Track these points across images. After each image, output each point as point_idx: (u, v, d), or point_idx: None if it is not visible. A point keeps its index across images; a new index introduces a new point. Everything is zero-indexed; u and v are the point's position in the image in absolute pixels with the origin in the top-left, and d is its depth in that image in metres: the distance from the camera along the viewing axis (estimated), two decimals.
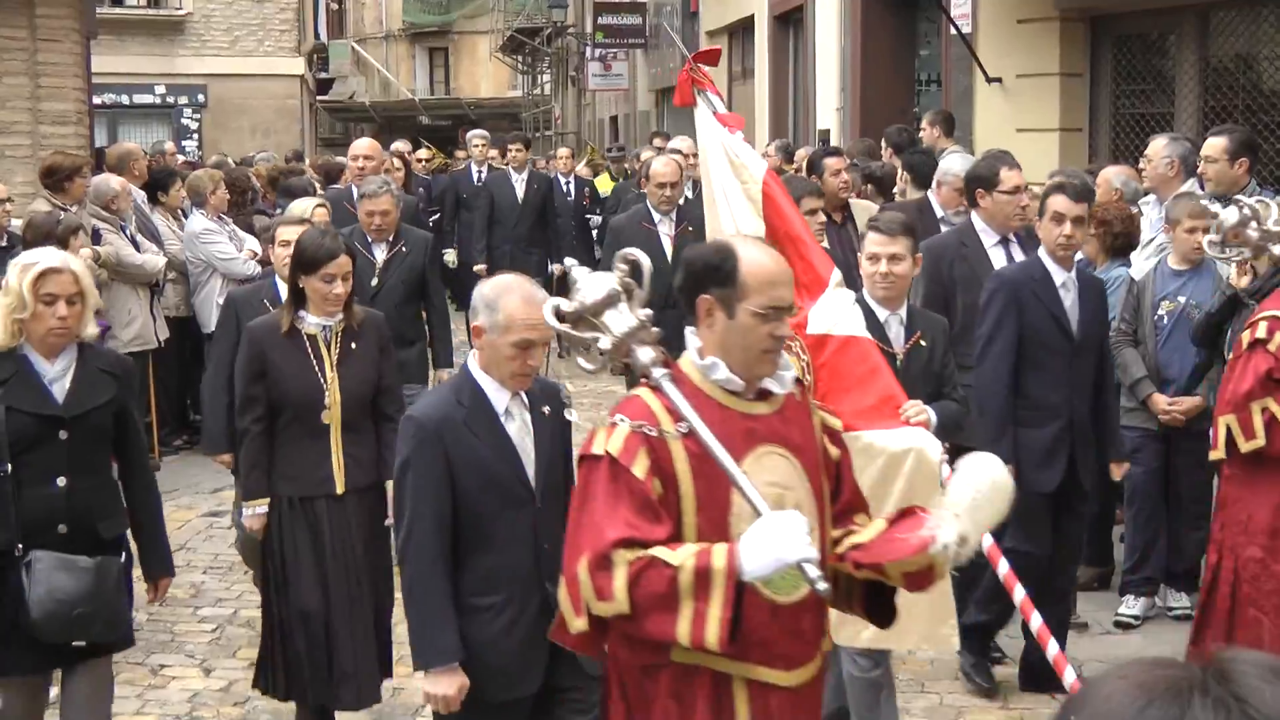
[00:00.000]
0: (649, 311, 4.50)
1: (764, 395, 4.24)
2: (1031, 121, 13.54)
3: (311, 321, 6.64)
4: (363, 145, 12.52)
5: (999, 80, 14.15)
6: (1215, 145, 8.75)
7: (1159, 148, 9.30)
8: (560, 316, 4.50)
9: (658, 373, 4.23)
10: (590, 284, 4.50)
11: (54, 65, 14.30)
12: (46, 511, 5.72)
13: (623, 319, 4.44)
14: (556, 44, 40.43)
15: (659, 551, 3.90)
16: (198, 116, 35.92)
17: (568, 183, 18.19)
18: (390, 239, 9.72)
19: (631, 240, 9.87)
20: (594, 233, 17.68)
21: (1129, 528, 8.82)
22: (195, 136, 35.22)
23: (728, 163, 6.81)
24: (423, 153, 19.66)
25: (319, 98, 46.64)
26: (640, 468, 4.03)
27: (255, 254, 12.13)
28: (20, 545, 5.67)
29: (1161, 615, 8.70)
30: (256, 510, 6.70)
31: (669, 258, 10.45)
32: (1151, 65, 13.25)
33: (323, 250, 6.53)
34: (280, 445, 6.69)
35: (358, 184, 10.93)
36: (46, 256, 5.80)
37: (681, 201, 11.40)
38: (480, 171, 18.41)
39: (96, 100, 20.91)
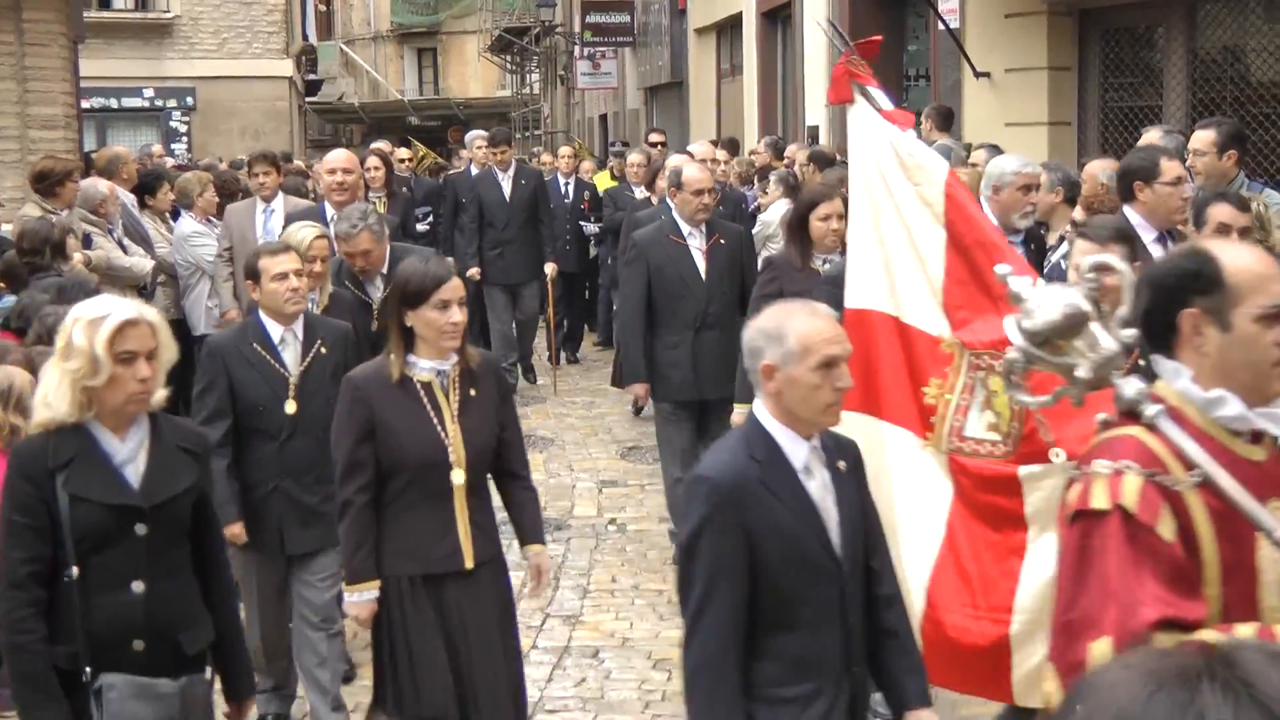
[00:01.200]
0: (1133, 332, 3.87)
1: (1257, 437, 3.60)
2: (1020, 115, 13.55)
3: (424, 367, 5.80)
4: (339, 158, 11.21)
5: (987, 75, 14.15)
6: (1203, 138, 8.74)
7: (1151, 140, 9.30)
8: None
9: (1151, 409, 3.58)
10: (1046, 301, 4.02)
11: (42, 70, 14.30)
12: (121, 624, 4.77)
13: (1102, 342, 3.90)
14: (545, 43, 40.43)
15: (1213, 637, 3.11)
16: (186, 119, 35.89)
17: (567, 184, 17.70)
18: (385, 271, 8.63)
19: (661, 257, 9.80)
20: (591, 239, 17.54)
21: None
22: (184, 139, 35.19)
23: (897, 164, 6.25)
24: (404, 152, 19.06)
25: (308, 99, 46.61)
26: (1167, 528, 3.37)
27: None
28: (89, 668, 4.74)
29: None
30: (365, 596, 5.77)
31: (703, 276, 9.79)
32: (1140, 58, 13.26)
33: (430, 277, 5.70)
34: (393, 516, 5.80)
35: (333, 201, 10.44)
36: (118, 306, 4.78)
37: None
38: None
39: (85, 104, 20.87)
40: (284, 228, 10.49)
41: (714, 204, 10.29)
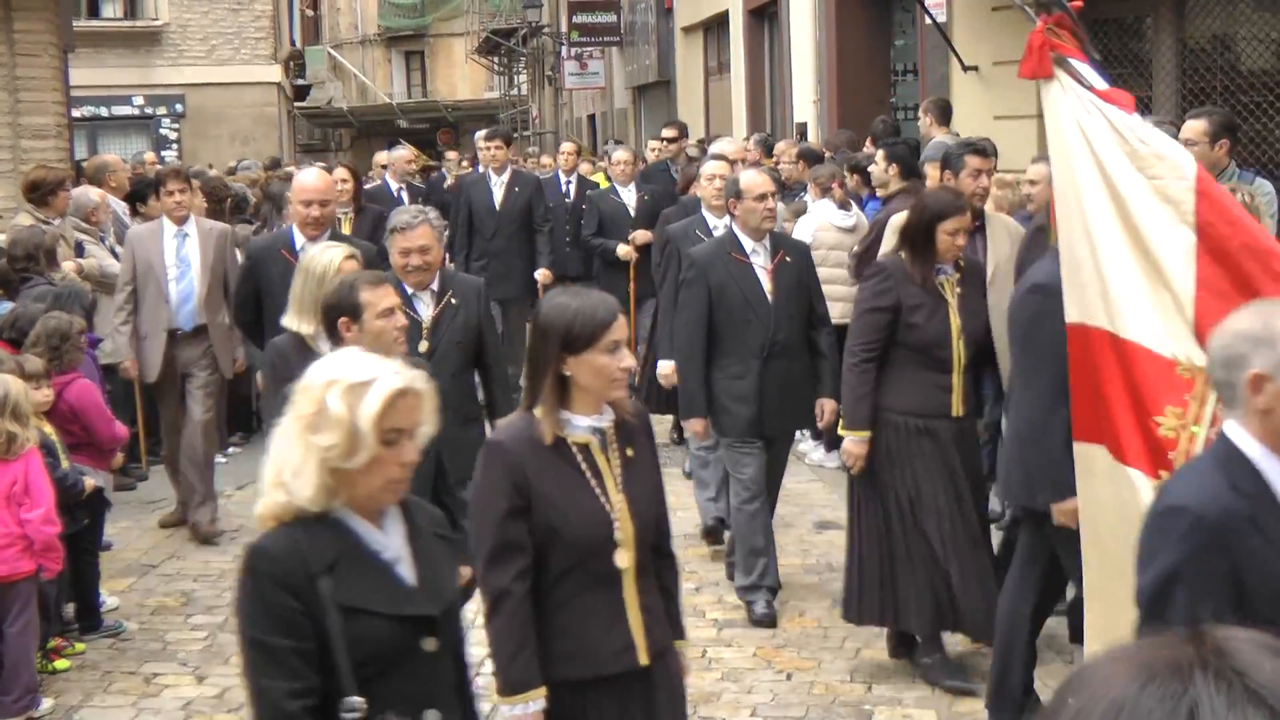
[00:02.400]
0: None
1: None
2: (1009, 109, 13.54)
3: (581, 425, 4.68)
4: (312, 185, 9.03)
5: (975, 68, 14.15)
6: (1195, 128, 8.75)
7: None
8: None
9: None
10: None
11: (32, 79, 14.29)
12: None
13: None
14: (532, 44, 40.46)
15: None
16: (177, 126, 35.83)
17: (568, 183, 16.45)
18: (435, 287, 7.61)
19: (723, 276, 8.63)
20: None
21: None
22: (175, 146, 35.13)
23: (1121, 152, 5.45)
24: (404, 152, 17.85)
25: (297, 104, 46.54)
26: None
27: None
28: None
29: None
30: (531, 708, 4.57)
31: (770, 298, 8.66)
32: (1129, 49, 13.25)
33: (599, 316, 4.59)
34: (553, 609, 4.65)
35: (306, 234, 8.72)
36: (383, 369, 3.76)
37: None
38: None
39: (75, 113, 20.86)
40: (212, 253, 10.61)
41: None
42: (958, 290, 7.57)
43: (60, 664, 8.22)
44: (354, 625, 3.66)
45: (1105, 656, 1.57)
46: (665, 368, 9.79)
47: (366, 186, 16.83)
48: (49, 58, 14.51)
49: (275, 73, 37.01)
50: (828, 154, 13.56)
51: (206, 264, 10.62)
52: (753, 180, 8.81)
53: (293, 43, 43.08)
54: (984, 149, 8.92)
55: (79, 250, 11.40)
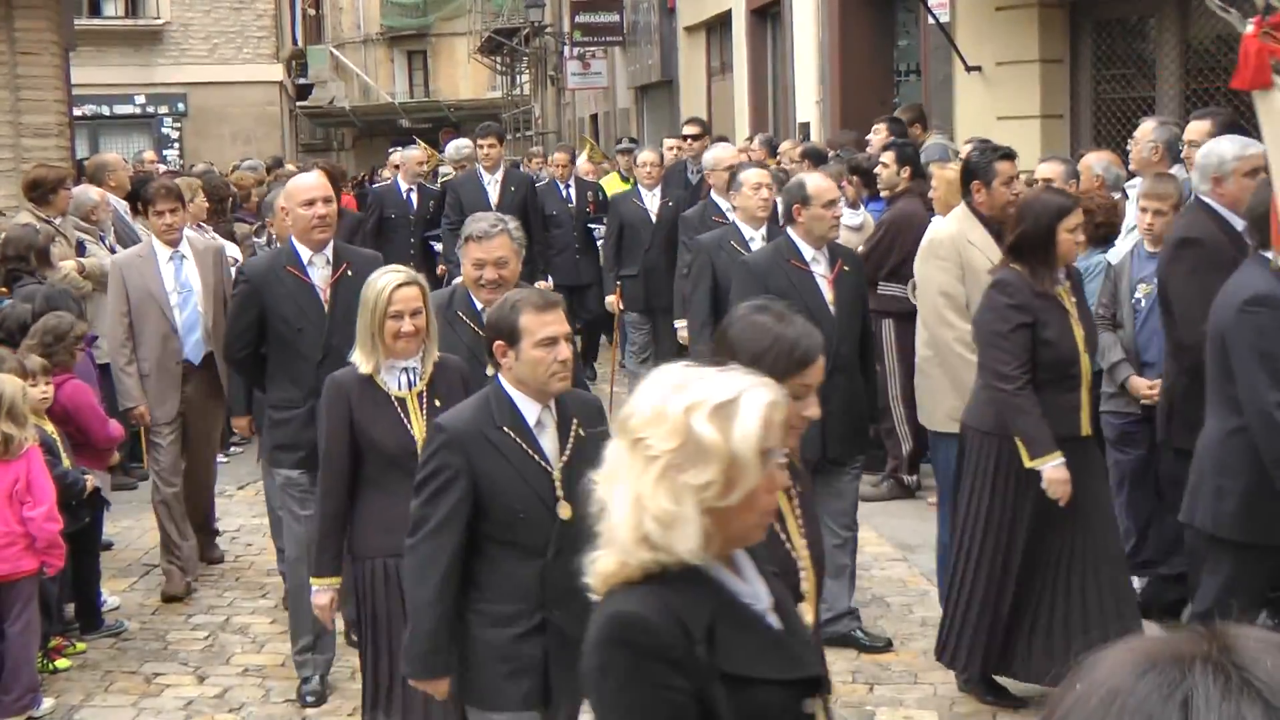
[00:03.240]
0: None
1: None
2: (1012, 109, 13.54)
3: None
4: (312, 186, 7.92)
5: (978, 69, 14.15)
6: (1199, 129, 8.72)
7: (1146, 131, 9.28)
8: None
9: None
10: None
11: (34, 78, 14.29)
12: None
13: None
14: (534, 44, 40.43)
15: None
16: (178, 125, 35.87)
17: (567, 188, 15.61)
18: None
19: (782, 285, 7.82)
20: (599, 244, 15.29)
21: (1123, 513, 8.73)
22: (176, 145, 35.17)
23: None
24: (416, 153, 17.18)
25: (299, 104, 46.57)
26: None
27: (235, 260, 12.09)
28: None
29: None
30: None
31: (831, 309, 7.97)
32: (1132, 49, 13.25)
33: (800, 349, 4.08)
34: None
35: (312, 241, 7.71)
36: (747, 383, 3.11)
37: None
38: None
39: (77, 112, 20.87)
40: (211, 274, 9.50)
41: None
42: (1072, 298, 7.10)
43: (61, 663, 8.21)
44: (742, 698, 3.04)
45: (1116, 645, 1.58)
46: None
47: (375, 186, 16.81)
48: (50, 56, 14.51)
49: (277, 72, 37.05)
50: (831, 153, 13.54)
51: (209, 287, 9.53)
52: (820, 185, 8.18)
53: (295, 42, 43.12)
54: (1011, 153, 8.52)
55: (80, 249, 11.39)
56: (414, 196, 15.77)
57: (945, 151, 12.05)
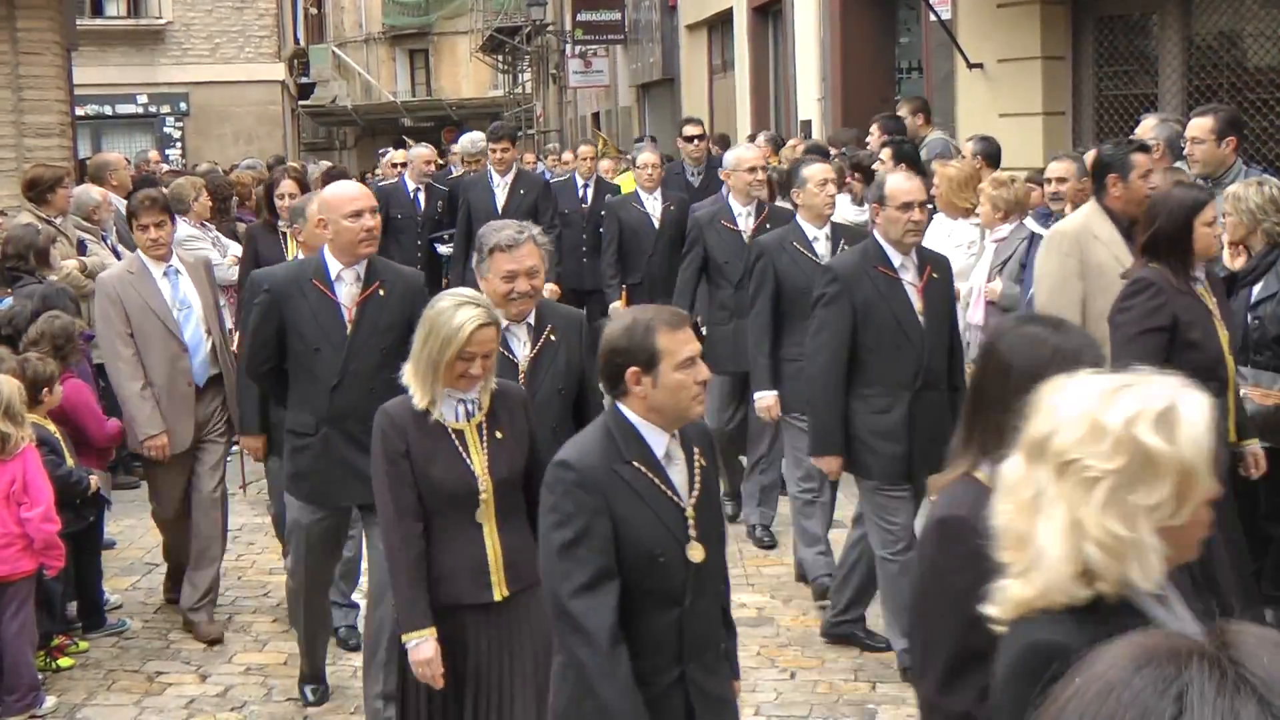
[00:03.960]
0: None
1: None
2: (1014, 106, 13.53)
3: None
4: (357, 197, 7.12)
5: (980, 66, 14.13)
6: (1201, 125, 8.71)
7: (1146, 128, 9.28)
8: None
9: None
10: None
11: (36, 78, 14.29)
12: None
13: None
14: (536, 42, 40.46)
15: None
16: (180, 125, 35.88)
17: (584, 187, 14.79)
18: (532, 320, 6.39)
19: (870, 293, 7.46)
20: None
21: None
22: (178, 145, 35.18)
23: None
24: (425, 151, 16.39)
25: (301, 103, 46.59)
26: None
27: (238, 259, 12.10)
28: None
29: None
30: None
31: (921, 320, 7.48)
32: (1134, 46, 13.24)
33: (1086, 359, 3.57)
34: None
35: (359, 254, 7.02)
36: (1180, 387, 2.84)
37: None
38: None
39: (79, 111, 20.91)
40: (208, 291, 8.73)
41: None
42: (1213, 298, 6.81)
43: (64, 662, 8.21)
44: None
45: (1121, 640, 1.60)
46: (766, 399, 8.79)
47: (380, 184, 16.56)
48: (52, 56, 14.51)
49: (279, 71, 37.07)
50: (834, 151, 13.53)
51: (208, 304, 8.75)
52: (899, 186, 7.54)
53: (297, 41, 43.14)
54: (1146, 146, 8.11)
55: (81, 249, 11.39)
56: (421, 196, 15.24)
57: (947, 148, 12.05)
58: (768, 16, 21.77)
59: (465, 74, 54.45)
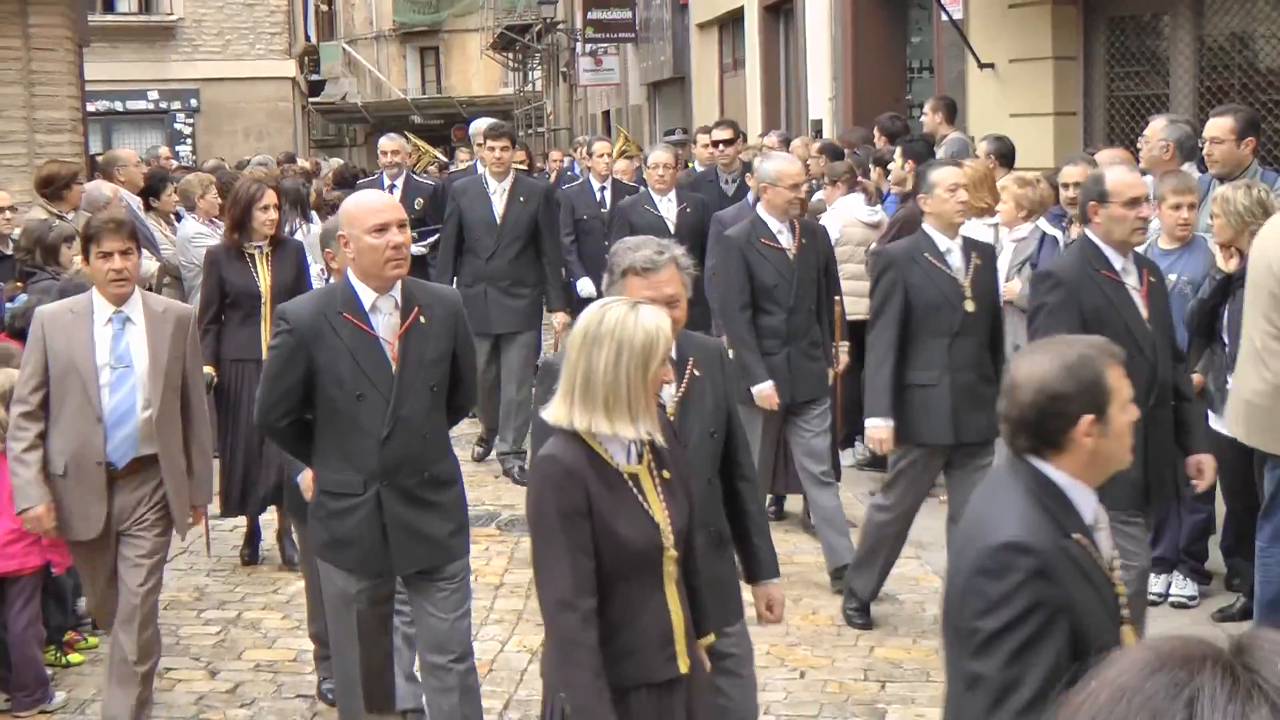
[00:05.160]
0: None
1: None
2: (1025, 106, 13.52)
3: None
4: (381, 207, 6.11)
5: (991, 66, 14.13)
6: (1221, 125, 8.70)
7: (1157, 129, 9.27)
8: None
9: None
10: None
11: (48, 74, 14.31)
12: None
13: None
14: (547, 40, 40.51)
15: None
16: (191, 121, 35.90)
17: (602, 189, 13.65)
18: (674, 354, 4.98)
19: (1097, 300, 6.77)
20: None
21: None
22: (189, 141, 35.20)
23: None
24: (390, 143, 14.60)
25: (311, 100, 46.62)
26: None
27: None
28: None
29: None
30: None
31: (1148, 325, 6.80)
32: (1146, 46, 13.22)
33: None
34: None
35: (387, 276, 5.99)
36: None
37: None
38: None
39: (90, 107, 20.90)
40: (166, 347, 6.76)
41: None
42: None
43: (74, 657, 8.23)
44: None
45: (1135, 645, 1.61)
46: (880, 429, 8.04)
47: (359, 183, 16.13)
48: (64, 52, 14.53)
49: (290, 68, 37.09)
50: (846, 150, 13.53)
51: (158, 364, 6.84)
52: (1123, 179, 6.86)
53: (307, 38, 43.14)
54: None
55: None
56: (396, 193, 13.26)
57: (966, 148, 12.04)
58: (779, 15, 21.76)
59: (476, 72, 54.50)
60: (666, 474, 4.63)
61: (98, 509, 6.80)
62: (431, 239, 12.92)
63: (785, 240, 8.88)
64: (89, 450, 6.76)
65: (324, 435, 6.07)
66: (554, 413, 4.49)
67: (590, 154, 14.63)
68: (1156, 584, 8.44)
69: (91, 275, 6.92)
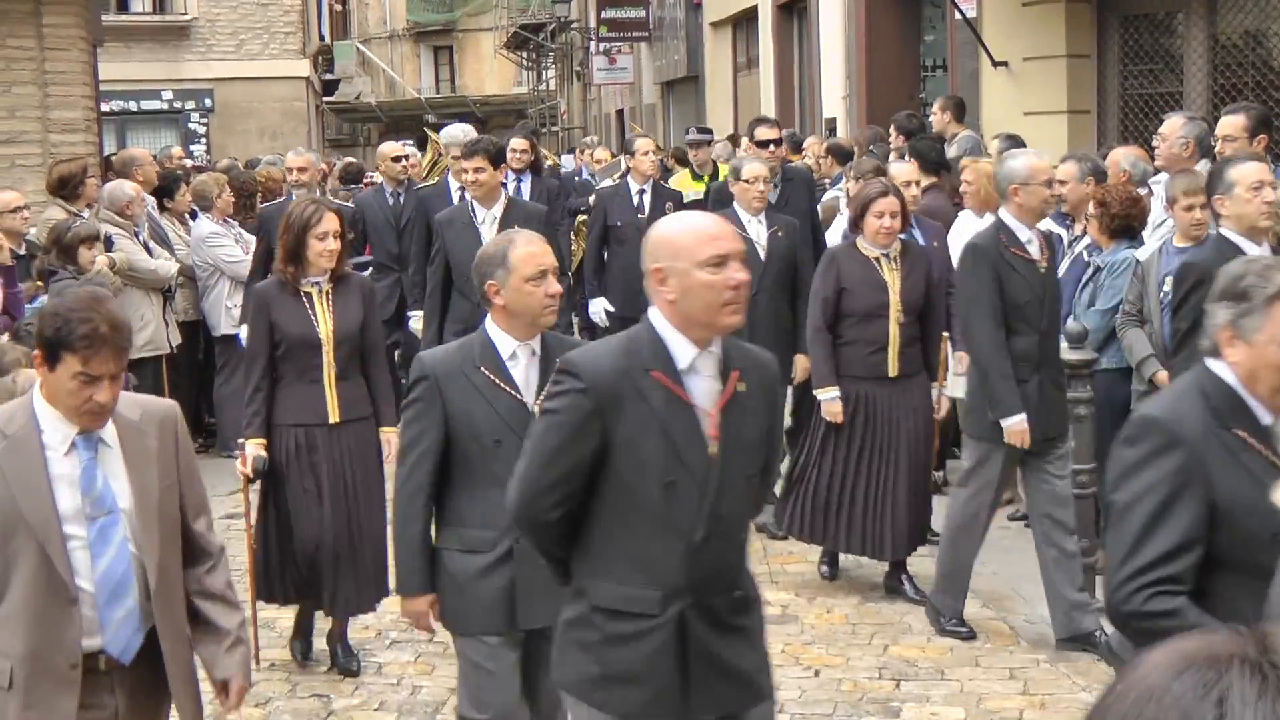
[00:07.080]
0: None
1: None
2: (1039, 104, 13.52)
3: None
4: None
5: (1005, 64, 14.12)
6: (1234, 123, 8.70)
7: (1174, 127, 9.25)
8: None
9: None
10: None
11: (62, 74, 14.33)
12: None
13: None
14: (560, 39, 40.53)
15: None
16: (205, 121, 35.95)
17: (640, 193, 11.98)
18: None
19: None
20: None
21: None
22: (203, 141, 35.25)
23: None
24: (390, 149, 13.76)
25: (325, 99, 46.68)
26: None
27: (249, 249, 12.14)
28: None
29: None
30: None
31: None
32: (1159, 45, 13.22)
33: None
34: None
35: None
36: None
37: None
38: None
39: (104, 107, 20.95)
40: (156, 479, 4.53)
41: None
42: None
43: None
44: None
45: (1161, 646, 1.61)
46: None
47: (360, 194, 15.43)
48: (78, 52, 14.55)
49: (304, 67, 37.14)
50: (857, 149, 13.52)
51: (147, 498, 4.57)
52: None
53: (321, 37, 43.20)
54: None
55: (108, 244, 11.41)
56: (391, 201, 12.99)
57: (978, 146, 12.04)
58: (792, 14, 21.76)
59: (489, 71, 54.51)
60: None
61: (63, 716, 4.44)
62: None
63: (1034, 250, 7.85)
64: (57, 646, 4.43)
65: (611, 534, 4.44)
66: None
67: (631, 153, 12.40)
68: None
69: (50, 390, 4.45)
